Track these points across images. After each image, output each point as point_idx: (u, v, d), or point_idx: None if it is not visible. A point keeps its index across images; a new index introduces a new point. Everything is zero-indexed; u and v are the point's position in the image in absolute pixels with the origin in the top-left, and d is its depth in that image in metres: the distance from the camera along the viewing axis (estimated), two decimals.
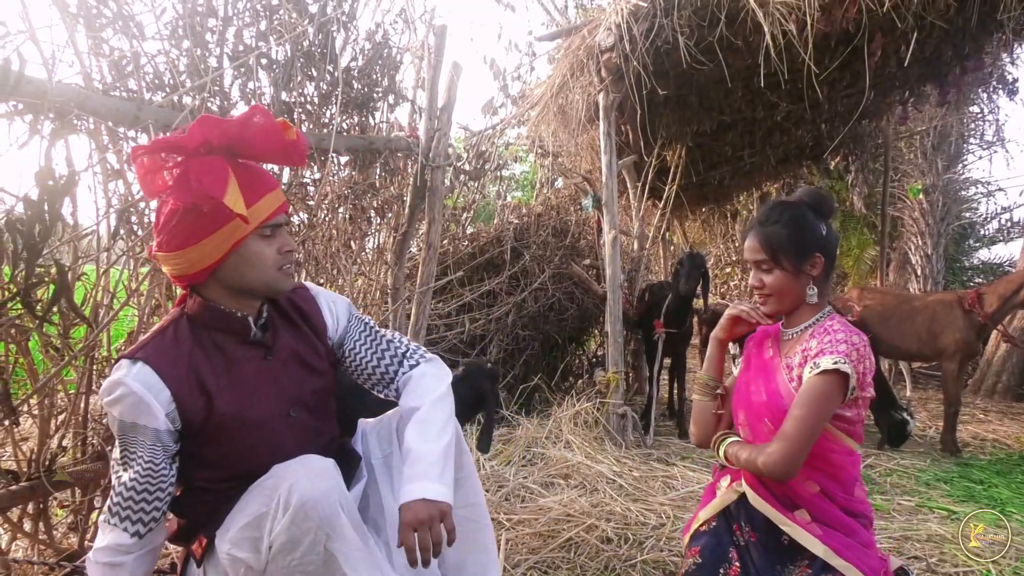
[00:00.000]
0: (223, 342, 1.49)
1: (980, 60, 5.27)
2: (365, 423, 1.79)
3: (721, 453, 1.77)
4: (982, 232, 11.04)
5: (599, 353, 5.28)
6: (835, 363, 1.57)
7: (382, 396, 1.73)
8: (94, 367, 2.16)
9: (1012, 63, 6.30)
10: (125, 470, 1.41)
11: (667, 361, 5.21)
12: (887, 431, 4.44)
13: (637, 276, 5.23)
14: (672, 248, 10.43)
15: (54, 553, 2.16)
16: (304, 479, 1.33)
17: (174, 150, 1.38)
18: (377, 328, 1.74)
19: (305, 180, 2.91)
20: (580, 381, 4.93)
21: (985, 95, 8.28)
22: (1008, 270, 7.66)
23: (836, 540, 1.58)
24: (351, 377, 1.74)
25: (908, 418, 4.39)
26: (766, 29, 3.54)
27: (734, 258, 10.91)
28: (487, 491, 3.00)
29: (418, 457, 1.46)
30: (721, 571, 1.64)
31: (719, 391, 1.88)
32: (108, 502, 1.44)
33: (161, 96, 2.25)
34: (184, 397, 1.41)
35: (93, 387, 2.20)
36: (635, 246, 5.48)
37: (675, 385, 5.18)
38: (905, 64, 4.18)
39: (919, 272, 9.39)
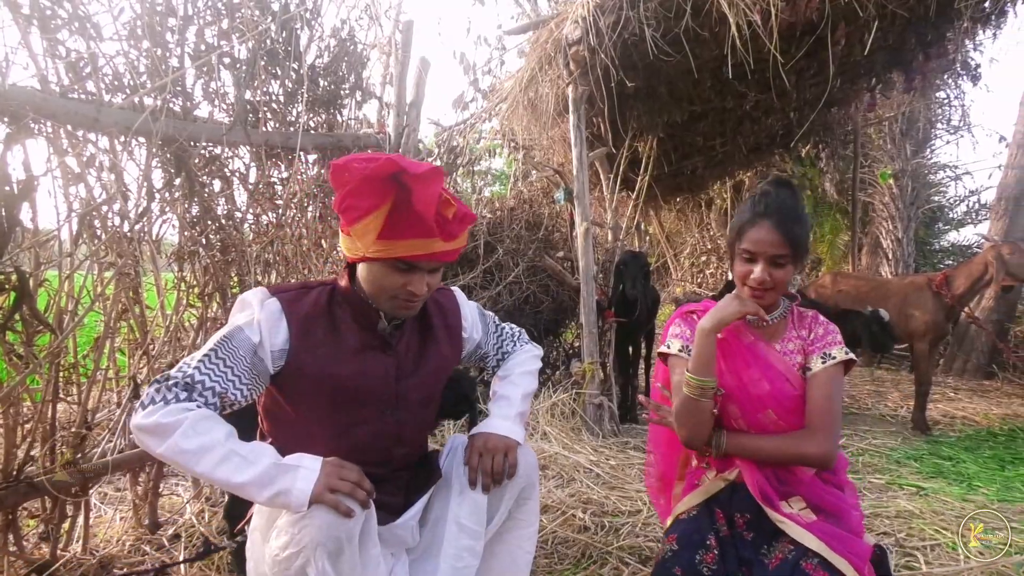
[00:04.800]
0: (351, 324, 1.57)
1: (943, 47, 5.35)
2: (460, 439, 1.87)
3: (722, 446, 1.73)
4: (951, 215, 11.23)
5: (576, 344, 5.30)
6: (847, 353, 1.75)
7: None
8: (60, 374, 2.13)
9: (975, 49, 6.43)
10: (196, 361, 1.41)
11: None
12: (868, 337, 4.41)
13: (611, 268, 5.25)
14: (648, 238, 10.50)
15: (25, 564, 2.14)
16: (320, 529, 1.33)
17: (368, 162, 1.39)
18: (499, 324, 1.97)
19: (273, 180, 2.89)
20: (557, 372, 4.93)
21: (951, 81, 8.44)
22: (977, 252, 7.81)
23: (829, 532, 1.60)
24: (467, 363, 1.95)
25: (879, 312, 4.45)
26: (731, 20, 3.56)
27: (709, 246, 10.98)
28: None
29: (500, 400, 1.79)
30: (697, 557, 1.66)
31: (719, 392, 1.77)
32: (152, 391, 1.36)
33: (121, 98, 2.21)
34: (299, 341, 1.50)
35: (60, 394, 2.18)
36: (609, 237, 5.50)
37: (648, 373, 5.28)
38: (867, 52, 4.23)
39: (890, 256, 9.54)
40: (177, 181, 2.29)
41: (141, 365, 2.46)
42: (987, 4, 4.46)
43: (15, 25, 1.94)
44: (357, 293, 1.57)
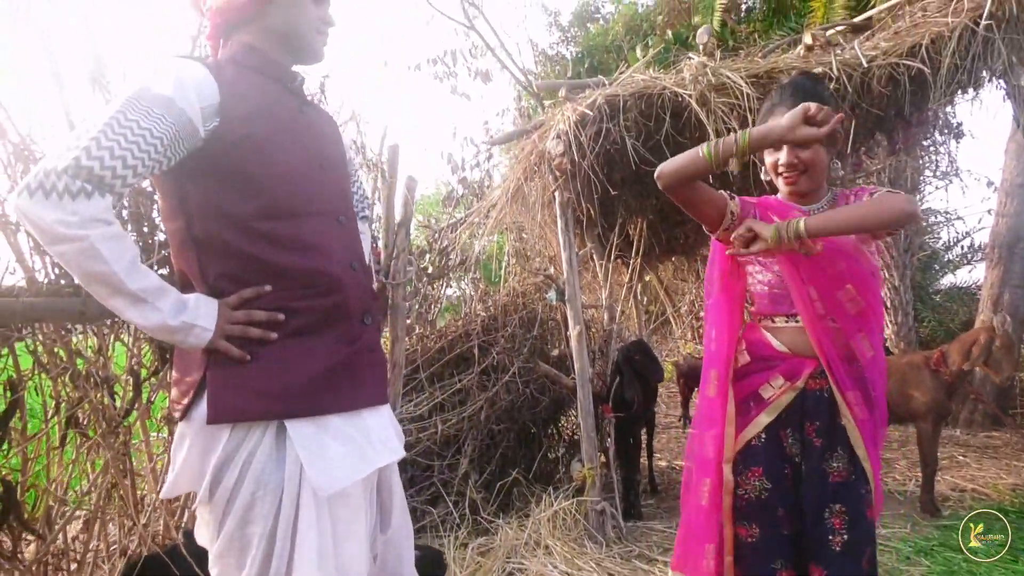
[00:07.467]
0: (264, 82, 1.48)
1: (923, 115, 5.44)
2: None
3: (799, 229, 1.60)
4: (946, 258, 11.25)
5: (576, 436, 5.27)
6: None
7: None
8: (48, 567, 2.12)
9: (954, 113, 6.57)
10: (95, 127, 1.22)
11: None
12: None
13: (608, 350, 5.24)
14: (645, 300, 10.48)
15: None
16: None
17: None
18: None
19: None
20: (560, 471, 4.88)
21: (935, 134, 8.56)
22: (975, 293, 7.80)
23: (869, 437, 1.75)
24: None
25: None
26: (710, 128, 3.62)
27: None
28: None
29: None
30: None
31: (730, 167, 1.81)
32: (46, 169, 1.17)
33: None
34: (232, 98, 1.37)
35: None
36: (605, 318, 5.50)
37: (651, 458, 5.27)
38: (848, 139, 4.28)
39: (889, 304, 9.52)
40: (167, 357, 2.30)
41: (132, 535, 2.44)
42: (961, 80, 4.51)
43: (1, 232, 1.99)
44: (260, 49, 1.49)
